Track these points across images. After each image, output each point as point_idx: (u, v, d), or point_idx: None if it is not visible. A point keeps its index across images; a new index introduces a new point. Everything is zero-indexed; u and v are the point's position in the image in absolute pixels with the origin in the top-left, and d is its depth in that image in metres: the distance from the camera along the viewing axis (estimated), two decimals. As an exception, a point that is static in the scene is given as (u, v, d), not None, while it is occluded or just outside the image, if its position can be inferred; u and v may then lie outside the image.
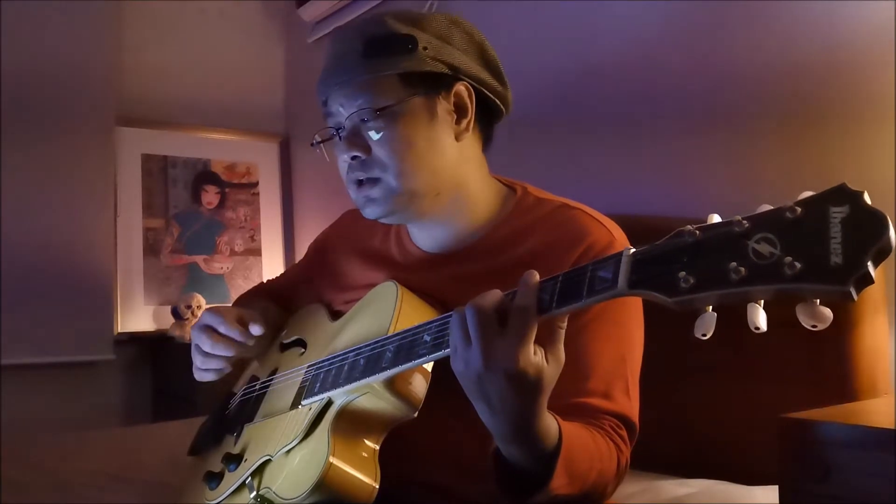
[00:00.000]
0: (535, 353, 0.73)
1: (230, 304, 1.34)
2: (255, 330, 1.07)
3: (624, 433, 0.93)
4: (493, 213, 1.06)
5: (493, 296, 0.76)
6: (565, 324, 0.76)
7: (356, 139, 0.99)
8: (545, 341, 0.75)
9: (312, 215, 2.90)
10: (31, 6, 2.46)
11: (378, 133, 0.98)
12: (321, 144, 1.07)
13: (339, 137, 1.01)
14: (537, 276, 0.75)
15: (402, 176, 0.99)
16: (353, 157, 1.00)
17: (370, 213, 1.03)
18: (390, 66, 0.97)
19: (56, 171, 2.51)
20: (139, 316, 2.68)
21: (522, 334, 0.72)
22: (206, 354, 1.08)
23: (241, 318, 1.09)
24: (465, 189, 1.04)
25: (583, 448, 0.84)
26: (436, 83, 1.00)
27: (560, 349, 0.77)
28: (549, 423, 0.79)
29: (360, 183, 1.01)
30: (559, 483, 0.79)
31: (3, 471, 1.49)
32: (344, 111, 1.00)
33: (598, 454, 0.88)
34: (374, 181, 1.00)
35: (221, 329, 1.06)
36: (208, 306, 1.10)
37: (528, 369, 0.73)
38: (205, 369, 1.10)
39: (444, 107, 1.01)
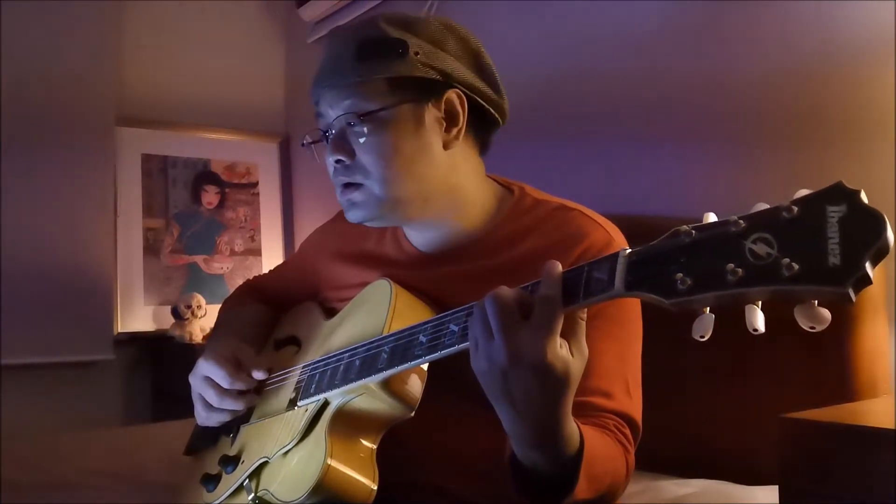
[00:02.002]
0: (560, 346, 0.71)
1: (218, 306, 1.33)
2: (258, 375, 1.05)
3: (627, 432, 0.93)
4: (489, 214, 1.05)
5: (515, 288, 0.73)
6: (585, 315, 0.74)
7: (342, 143, 0.98)
8: (567, 334, 0.73)
9: (312, 215, 2.90)
10: (31, 6, 2.46)
11: (363, 138, 0.97)
12: (312, 145, 1.06)
13: (327, 140, 1.00)
14: (560, 267, 0.72)
15: (385, 183, 0.97)
16: (338, 161, 0.99)
17: (353, 216, 1.01)
18: (380, 70, 0.96)
19: (56, 172, 2.51)
20: (139, 316, 2.67)
21: (549, 326, 0.70)
22: (212, 409, 1.05)
23: (239, 360, 1.06)
24: (459, 192, 1.03)
25: (600, 450, 0.83)
26: (426, 90, 0.98)
27: (583, 342, 0.74)
28: (572, 425, 0.77)
29: (344, 186, 1.00)
30: (580, 488, 0.78)
31: (3, 471, 1.49)
32: (332, 113, 0.99)
33: (610, 455, 0.87)
34: (358, 186, 0.99)
35: (226, 385, 1.03)
36: (203, 358, 1.07)
37: (556, 363, 0.70)
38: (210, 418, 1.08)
39: (432, 114, 0.99)
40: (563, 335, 0.72)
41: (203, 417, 1.08)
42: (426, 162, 0.99)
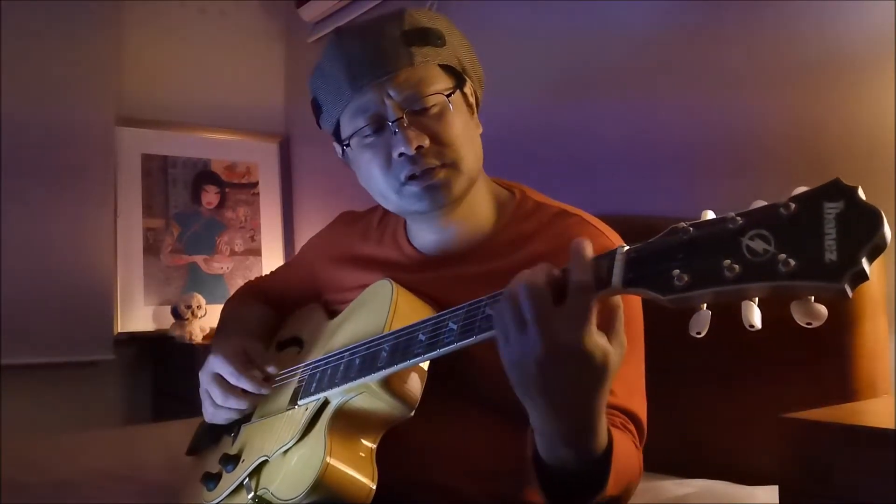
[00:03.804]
0: (598, 334, 0.68)
1: (223, 305, 1.32)
2: (272, 370, 1.04)
3: (633, 429, 0.93)
4: (492, 216, 1.06)
5: (544, 273, 0.69)
6: (622, 303, 0.71)
7: (418, 128, 0.96)
8: (603, 323, 0.70)
9: (312, 215, 2.90)
10: (31, 6, 2.46)
11: (440, 120, 0.97)
12: (347, 147, 1.02)
13: (395, 130, 0.96)
14: (591, 247, 0.69)
15: (464, 160, 0.99)
16: (418, 148, 0.95)
17: (439, 200, 0.97)
18: (434, 56, 0.98)
19: (56, 172, 2.51)
20: (139, 316, 2.68)
21: (584, 312, 0.66)
22: (218, 406, 1.05)
23: (250, 357, 1.05)
24: (476, 184, 1.04)
25: (622, 447, 0.81)
26: (459, 78, 1.02)
27: (622, 331, 0.71)
28: (605, 421, 0.74)
29: (412, 176, 0.96)
30: (609, 485, 0.75)
31: (3, 471, 1.49)
32: (393, 101, 0.96)
33: (629, 452, 0.87)
34: (443, 167, 0.97)
35: (232, 381, 1.03)
36: (213, 354, 1.06)
37: (595, 351, 0.67)
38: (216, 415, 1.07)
39: (468, 101, 1.04)
40: (599, 326, 0.69)
41: (209, 414, 1.08)
42: (478, 143, 1.04)
